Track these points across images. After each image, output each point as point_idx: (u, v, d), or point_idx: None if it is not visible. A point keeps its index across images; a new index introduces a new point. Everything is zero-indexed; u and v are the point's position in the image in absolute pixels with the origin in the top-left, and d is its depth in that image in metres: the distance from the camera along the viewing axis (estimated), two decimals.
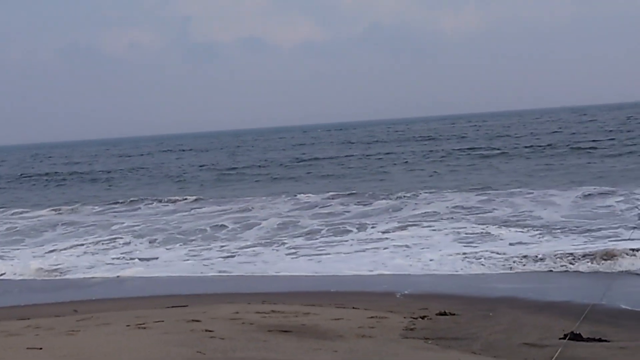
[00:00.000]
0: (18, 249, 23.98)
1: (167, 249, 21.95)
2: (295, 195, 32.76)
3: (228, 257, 20.06)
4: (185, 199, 34.99)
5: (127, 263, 20.05)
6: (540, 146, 51.87)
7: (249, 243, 22.08)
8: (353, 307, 12.73)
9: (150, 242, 23.33)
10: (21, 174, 65.52)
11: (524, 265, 16.39)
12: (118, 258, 20.91)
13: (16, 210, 35.64)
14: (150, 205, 34.20)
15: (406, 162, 49.60)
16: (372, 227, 23.25)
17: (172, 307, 13.07)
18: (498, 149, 52.53)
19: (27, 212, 34.82)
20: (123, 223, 28.27)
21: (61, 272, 19.44)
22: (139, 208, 33.72)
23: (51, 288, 17.56)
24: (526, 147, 52.87)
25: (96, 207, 34.81)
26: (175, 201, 34.49)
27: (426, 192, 30.66)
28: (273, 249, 20.79)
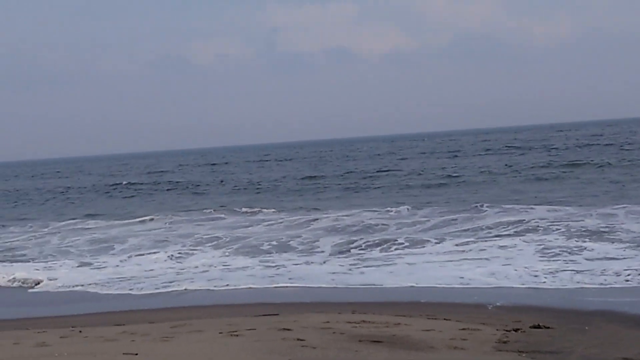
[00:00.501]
0: (112, 255, 24.47)
1: (252, 258, 22.08)
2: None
3: (311, 266, 20.15)
4: (260, 209, 35.30)
5: (217, 271, 20.24)
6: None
7: (327, 253, 22.16)
8: (444, 319, 12.62)
9: (236, 251, 23.53)
10: (114, 183, 66.75)
11: (618, 277, 16.02)
12: (205, 266, 21.15)
13: (116, 220, 36.25)
14: (235, 215, 34.55)
15: (489, 172, 49.02)
16: (457, 238, 23.10)
17: (263, 315, 13.17)
18: (590, 160, 51.45)
19: (124, 220, 35.50)
20: (207, 232, 28.61)
21: (149, 279, 19.74)
22: (223, 218, 34.05)
23: (144, 295, 17.85)
24: (617, 157, 51.77)
25: (184, 216, 35.30)
26: (257, 212, 34.77)
27: (512, 203, 30.29)
28: (353, 259, 20.81)
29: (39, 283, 20.05)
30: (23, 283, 20.21)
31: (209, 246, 24.98)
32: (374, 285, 17.30)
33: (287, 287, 17.67)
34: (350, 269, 19.38)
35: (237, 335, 10.89)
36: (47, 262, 23.85)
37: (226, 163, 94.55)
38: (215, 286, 18.13)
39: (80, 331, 12.20)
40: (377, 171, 57.68)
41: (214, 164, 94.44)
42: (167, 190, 55.59)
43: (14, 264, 23.63)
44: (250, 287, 17.70)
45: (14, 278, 20.63)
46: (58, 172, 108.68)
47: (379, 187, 44.78)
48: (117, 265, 22.24)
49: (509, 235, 23.01)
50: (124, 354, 9.86)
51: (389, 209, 31.83)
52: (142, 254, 24.11)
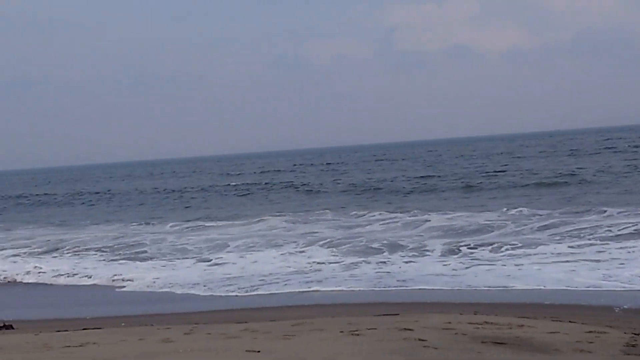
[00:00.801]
0: (228, 253, 24.81)
1: (365, 257, 22.05)
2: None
3: (424, 265, 20.05)
4: (372, 210, 35.19)
5: (331, 271, 20.32)
6: None
7: (439, 253, 22.02)
8: (569, 321, 12.29)
9: (348, 251, 23.55)
10: (227, 183, 67.58)
11: None
12: (320, 265, 21.27)
13: (231, 220, 36.73)
14: (348, 214, 34.60)
15: (611, 172, 47.59)
16: (575, 239, 22.59)
17: (384, 315, 13.11)
18: None
19: (239, 220, 35.99)
20: (320, 231, 28.74)
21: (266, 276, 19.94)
22: (336, 217, 34.08)
23: (262, 294, 18.03)
24: None
25: (298, 216, 35.52)
26: (370, 212, 34.69)
27: (635, 205, 29.41)
28: (466, 259, 20.58)
29: (156, 281, 20.49)
30: (141, 281, 20.68)
31: (322, 245, 25.05)
32: (494, 286, 17.02)
33: (403, 288, 17.54)
34: (465, 269, 19.20)
35: (358, 335, 10.85)
36: (166, 260, 24.35)
37: (342, 163, 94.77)
38: (338, 286, 18.17)
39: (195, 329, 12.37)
40: (494, 171, 56.77)
41: (329, 164, 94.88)
42: (282, 189, 56.04)
43: (137, 262, 24.24)
44: (372, 289, 17.63)
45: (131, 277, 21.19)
46: (174, 172, 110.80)
47: (495, 187, 44.11)
48: (234, 264, 22.55)
49: (631, 236, 22.32)
50: (246, 351, 9.96)
51: (505, 209, 31.30)
52: (257, 253, 24.36)
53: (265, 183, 63.00)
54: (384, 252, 22.97)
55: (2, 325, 14.58)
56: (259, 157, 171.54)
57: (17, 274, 22.83)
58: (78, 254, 26.98)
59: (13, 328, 14.45)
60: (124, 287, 20.33)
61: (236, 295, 17.98)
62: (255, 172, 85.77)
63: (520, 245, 22.23)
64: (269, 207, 42.12)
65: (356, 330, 11.12)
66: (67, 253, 27.54)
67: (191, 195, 56.94)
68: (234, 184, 66.07)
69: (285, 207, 41.62)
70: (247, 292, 18.27)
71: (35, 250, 28.80)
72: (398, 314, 13.10)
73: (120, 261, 24.80)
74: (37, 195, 70.15)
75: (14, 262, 25.91)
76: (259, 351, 9.92)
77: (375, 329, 11.25)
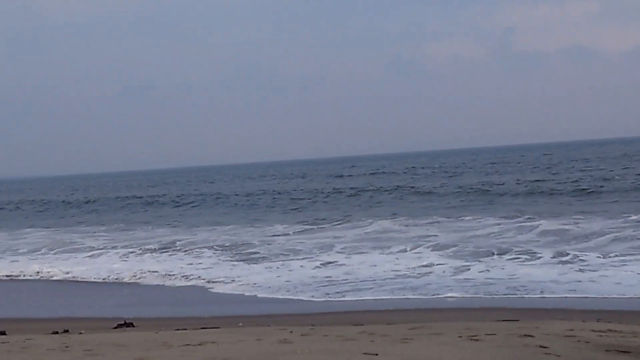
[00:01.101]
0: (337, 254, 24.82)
1: (473, 262, 21.76)
2: None
3: (537, 271, 19.66)
4: (475, 215, 34.70)
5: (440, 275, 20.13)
6: None
7: (550, 258, 21.57)
8: None
9: (455, 254, 23.29)
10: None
11: None
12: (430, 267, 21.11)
13: (343, 223, 36.75)
14: (459, 218, 34.17)
15: None
16: None
17: (503, 320, 12.87)
18: None
19: (351, 222, 36.01)
20: (430, 234, 28.53)
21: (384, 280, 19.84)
22: (448, 220, 33.70)
23: (375, 296, 17.97)
24: None
25: (409, 220, 35.28)
26: (480, 217, 34.16)
27: None
28: (580, 266, 20.10)
29: (267, 282, 20.67)
30: (255, 283, 20.86)
31: (433, 248, 24.82)
32: (615, 293, 16.56)
33: (521, 294, 17.20)
34: (580, 275, 18.80)
35: (477, 340, 10.67)
36: (279, 261, 24.52)
37: (456, 166, 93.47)
38: (450, 290, 17.97)
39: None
40: (614, 175, 55.00)
41: (442, 166, 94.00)
42: (394, 191, 55.52)
43: (250, 264, 24.50)
44: (488, 294, 17.37)
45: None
46: (292, 173, 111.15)
47: (613, 191, 42.92)
48: (345, 266, 22.57)
49: None
50: (364, 353, 9.91)
51: (625, 214, 30.36)
52: (367, 255, 24.30)
53: (379, 187, 62.20)
54: (494, 255, 22.61)
55: (122, 323, 14.94)
56: (372, 160, 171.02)
57: (134, 274, 23.33)
58: (192, 254, 27.40)
59: (133, 326, 14.78)
60: (238, 287, 20.54)
61: (349, 299, 17.92)
62: (365, 174, 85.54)
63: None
64: (380, 210, 41.99)
65: (475, 336, 10.94)
66: (182, 253, 28.02)
67: (301, 197, 57.10)
68: (345, 186, 65.81)
69: (397, 209, 41.42)
70: (360, 294, 18.23)
71: (152, 250, 29.41)
72: (517, 320, 12.84)
73: (234, 262, 25.11)
74: (155, 196, 71.08)
75: (130, 260, 26.54)
76: (376, 354, 9.86)
77: (494, 334, 11.04)
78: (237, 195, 63.74)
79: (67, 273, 24.64)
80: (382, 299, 17.44)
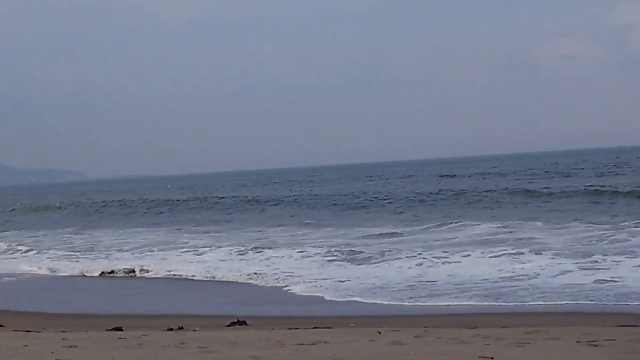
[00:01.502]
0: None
1: (577, 265, 21.19)
2: None
3: None
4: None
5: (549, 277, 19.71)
6: None
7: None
8: None
9: (563, 257, 22.72)
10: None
11: None
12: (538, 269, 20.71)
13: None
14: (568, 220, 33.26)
15: None
16: None
17: (623, 325, 12.52)
18: None
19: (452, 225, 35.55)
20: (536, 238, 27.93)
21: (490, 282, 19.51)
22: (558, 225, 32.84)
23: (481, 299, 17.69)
24: None
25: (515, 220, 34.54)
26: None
27: None
28: None
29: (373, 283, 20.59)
30: (362, 284, 20.79)
31: (537, 251, 24.27)
32: None
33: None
34: None
35: (596, 346, 10.39)
36: (384, 261, 24.31)
37: (575, 167, 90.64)
38: (559, 295, 17.57)
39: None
40: None
41: (555, 164, 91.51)
42: (502, 193, 54.10)
43: (358, 265, 24.41)
44: (607, 302, 16.89)
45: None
46: (399, 174, 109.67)
47: None
48: (449, 266, 22.29)
49: None
50: (479, 357, 9.78)
51: None
52: (470, 257, 23.87)
53: (489, 188, 60.54)
54: (609, 259, 21.96)
55: (236, 321, 15.09)
56: (483, 161, 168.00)
57: (242, 273, 23.53)
58: (300, 254, 27.40)
59: (246, 324, 14.93)
60: (346, 288, 20.49)
61: (459, 303, 17.61)
62: (471, 176, 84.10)
63: None
64: (487, 212, 41.31)
65: (594, 341, 10.66)
66: (290, 253, 28.06)
67: (408, 197, 56.21)
68: (447, 188, 64.13)
69: (504, 212, 40.64)
70: (469, 296, 17.94)
71: (259, 248, 29.62)
72: (638, 326, 12.46)
73: (340, 262, 25.03)
74: (294, 196, 68.92)
75: (237, 260, 26.78)
76: (492, 358, 9.73)
77: (614, 340, 10.74)
78: (344, 195, 63.05)
79: (171, 271, 25.07)
80: (495, 304, 17.12)
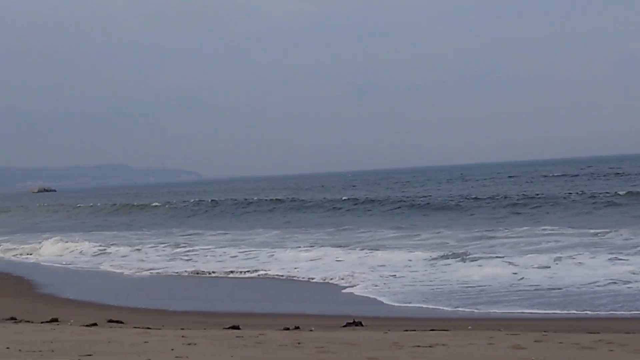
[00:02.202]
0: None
1: None
2: None
3: None
4: None
5: None
6: None
7: None
8: None
9: None
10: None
11: None
12: None
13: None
14: None
15: None
16: None
17: None
18: None
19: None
20: None
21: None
22: None
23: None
24: None
25: None
26: None
27: None
28: None
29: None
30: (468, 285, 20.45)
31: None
32: None
33: None
34: None
35: None
36: (496, 258, 23.87)
37: None
38: None
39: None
40: None
41: None
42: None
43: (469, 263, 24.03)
44: None
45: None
46: (511, 176, 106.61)
47: None
48: (566, 268, 21.71)
49: None
50: None
51: None
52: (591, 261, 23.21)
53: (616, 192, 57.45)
54: None
55: (352, 321, 15.08)
56: (605, 162, 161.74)
57: (351, 274, 23.41)
58: (407, 255, 27.05)
59: (362, 325, 14.89)
60: (459, 290, 20.23)
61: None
62: (600, 178, 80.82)
63: None
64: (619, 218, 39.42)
65: None
66: (396, 253, 27.86)
67: (528, 198, 54.28)
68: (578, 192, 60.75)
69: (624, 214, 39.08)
70: (582, 300, 17.42)
71: (372, 248, 29.51)
72: None
73: (448, 262, 24.69)
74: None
75: (350, 260, 26.67)
76: None
77: None
78: (478, 198, 60.14)
79: (282, 270, 25.26)
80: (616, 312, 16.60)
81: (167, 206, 71.42)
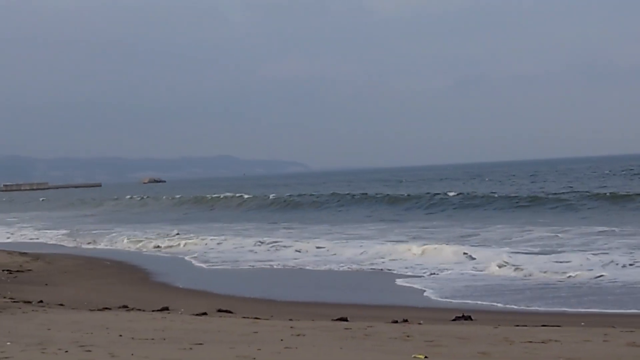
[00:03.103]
0: None
1: None
2: None
3: None
4: None
5: None
6: None
7: None
8: None
9: None
10: None
11: None
12: None
13: None
14: None
15: None
16: None
17: None
18: None
19: None
20: None
21: None
22: None
23: None
24: None
25: None
26: None
27: None
28: None
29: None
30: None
31: None
32: None
33: None
34: None
35: None
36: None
37: None
38: None
39: None
40: None
41: None
42: None
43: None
44: None
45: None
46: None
47: None
48: None
49: None
50: None
51: None
52: None
53: None
54: None
55: (461, 315, 14.88)
56: None
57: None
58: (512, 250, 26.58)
59: (472, 319, 14.67)
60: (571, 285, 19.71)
61: None
62: None
63: None
64: None
65: None
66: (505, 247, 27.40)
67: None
68: None
69: None
70: None
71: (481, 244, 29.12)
72: None
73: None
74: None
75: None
76: None
77: None
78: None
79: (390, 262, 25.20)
80: None
81: (272, 198, 70.69)
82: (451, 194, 59.10)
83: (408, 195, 62.18)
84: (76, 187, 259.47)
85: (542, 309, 16.32)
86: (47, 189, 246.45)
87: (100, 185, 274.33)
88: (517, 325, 13.33)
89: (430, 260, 25.14)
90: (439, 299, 18.37)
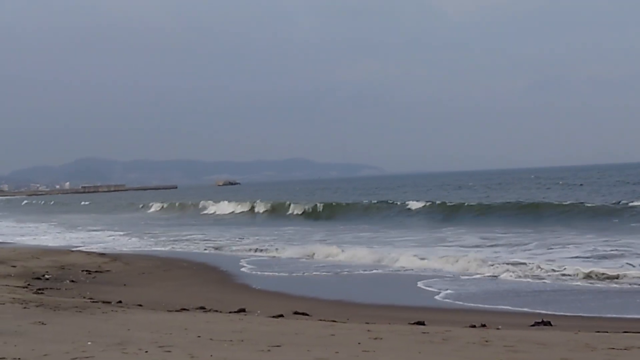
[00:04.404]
0: None
1: None
2: None
3: None
4: None
5: None
6: None
7: None
8: None
9: None
10: None
11: None
12: None
13: None
14: None
15: None
16: None
17: None
18: None
19: None
20: None
21: None
22: None
23: None
24: None
25: None
26: None
27: None
28: None
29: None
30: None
31: None
32: None
33: None
34: None
35: None
36: None
37: None
38: None
39: None
40: None
41: None
42: None
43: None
44: None
45: None
46: None
47: None
48: None
49: None
50: None
51: None
52: None
53: None
54: None
55: (540, 321, 14.64)
56: None
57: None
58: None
59: (551, 325, 14.42)
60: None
61: None
62: None
63: None
64: None
65: None
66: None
67: None
68: None
69: None
70: None
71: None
72: None
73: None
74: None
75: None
76: None
77: None
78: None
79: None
80: None
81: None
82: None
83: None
84: (153, 189, 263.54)
85: (622, 315, 16.00)
86: (125, 190, 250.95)
87: (176, 187, 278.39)
88: (599, 332, 13.06)
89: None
90: (516, 307, 18.10)
